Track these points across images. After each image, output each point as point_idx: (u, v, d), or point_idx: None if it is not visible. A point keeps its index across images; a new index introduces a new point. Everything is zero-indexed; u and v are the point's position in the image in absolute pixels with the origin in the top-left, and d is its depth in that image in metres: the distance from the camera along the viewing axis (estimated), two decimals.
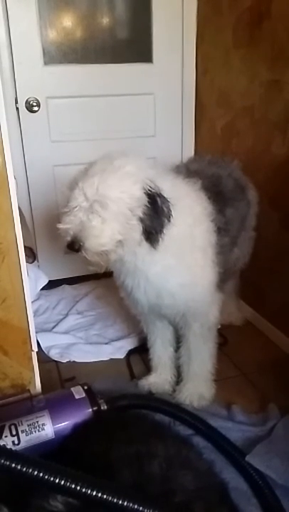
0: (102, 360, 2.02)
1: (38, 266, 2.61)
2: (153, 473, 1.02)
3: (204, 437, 1.48)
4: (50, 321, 2.33)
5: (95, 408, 1.36)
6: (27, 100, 2.40)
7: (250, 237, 1.90)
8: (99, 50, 2.47)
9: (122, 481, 1.00)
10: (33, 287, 2.22)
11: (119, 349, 2.08)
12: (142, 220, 1.30)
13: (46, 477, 0.79)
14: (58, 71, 2.42)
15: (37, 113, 2.44)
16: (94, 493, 0.80)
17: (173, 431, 1.36)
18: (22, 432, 1.27)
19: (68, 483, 0.80)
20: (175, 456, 1.11)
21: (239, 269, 1.98)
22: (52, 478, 0.79)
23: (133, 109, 2.61)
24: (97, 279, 2.55)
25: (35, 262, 2.51)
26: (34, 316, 1.66)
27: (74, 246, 1.28)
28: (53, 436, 1.30)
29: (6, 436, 1.25)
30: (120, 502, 0.81)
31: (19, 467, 0.78)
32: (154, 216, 1.31)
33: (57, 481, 0.79)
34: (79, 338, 2.17)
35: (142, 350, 1.99)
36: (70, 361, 2.02)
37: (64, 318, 2.34)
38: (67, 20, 2.40)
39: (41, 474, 0.79)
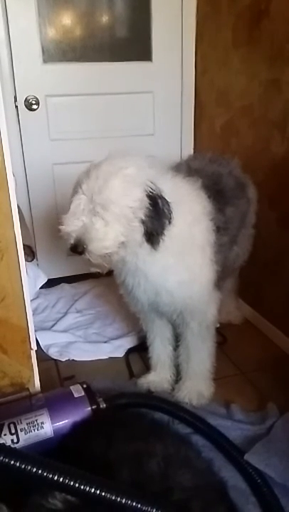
0: (101, 359, 2.02)
1: (37, 264, 2.61)
2: (152, 472, 1.02)
3: (203, 436, 1.48)
4: (49, 319, 2.33)
5: (94, 407, 1.36)
6: (26, 98, 2.40)
7: (249, 234, 1.90)
8: (98, 48, 2.46)
9: (121, 480, 1.00)
10: (32, 286, 2.22)
11: (118, 348, 2.08)
12: (143, 221, 1.31)
13: (45, 474, 0.79)
14: (57, 69, 2.42)
15: (36, 111, 2.44)
16: (92, 490, 0.80)
17: (172, 429, 1.36)
18: (21, 430, 1.27)
19: (67, 481, 0.80)
20: (174, 454, 1.11)
21: (238, 266, 1.99)
22: (51, 476, 0.79)
23: (132, 108, 2.60)
24: (96, 278, 2.54)
25: (35, 260, 2.51)
26: (33, 314, 1.67)
27: (77, 249, 1.29)
28: (52, 435, 1.30)
29: (5, 435, 1.25)
30: (119, 500, 0.81)
31: (18, 464, 0.78)
32: (156, 218, 1.31)
33: (55, 478, 0.79)
34: (78, 336, 2.17)
35: (141, 349, 1.99)
36: (69, 360, 2.02)
37: (63, 316, 2.34)
38: (67, 19, 2.39)
39: (40, 471, 0.79)
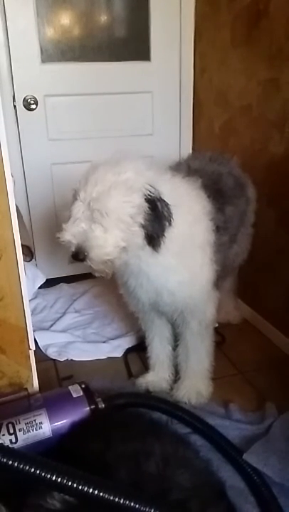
0: (99, 359, 2.02)
1: (36, 264, 2.60)
2: (150, 472, 1.02)
3: (201, 436, 1.48)
4: (47, 319, 2.33)
5: (92, 407, 1.36)
6: (25, 98, 2.40)
7: (248, 233, 1.91)
8: (97, 48, 2.46)
9: (119, 480, 1.00)
10: (31, 286, 2.22)
11: (116, 348, 2.08)
12: (143, 225, 1.31)
13: (43, 474, 0.79)
14: (55, 69, 2.42)
15: (35, 111, 2.44)
16: (91, 490, 0.80)
17: (170, 429, 1.36)
18: (19, 430, 1.27)
19: (65, 481, 0.80)
20: (172, 454, 1.11)
21: (238, 266, 1.99)
22: (49, 476, 0.79)
23: (131, 108, 2.60)
24: (95, 278, 2.55)
25: (33, 260, 2.51)
26: (32, 314, 1.67)
27: (78, 256, 1.29)
28: (51, 435, 1.30)
29: (3, 435, 1.25)
30: (117, 500, 0.81)
31: (16, 464, 0.78)
32: (156, 221, 1.31)
33: (54, 478, 0.79)
34: (77, 336, 2.17)
35: (139, 349, 1.99)
36: (67, 360, 2.01)
37: (62, 316, 2.34)
38: (65, 18, 2.39)
39: (38, 472, 0.79)
